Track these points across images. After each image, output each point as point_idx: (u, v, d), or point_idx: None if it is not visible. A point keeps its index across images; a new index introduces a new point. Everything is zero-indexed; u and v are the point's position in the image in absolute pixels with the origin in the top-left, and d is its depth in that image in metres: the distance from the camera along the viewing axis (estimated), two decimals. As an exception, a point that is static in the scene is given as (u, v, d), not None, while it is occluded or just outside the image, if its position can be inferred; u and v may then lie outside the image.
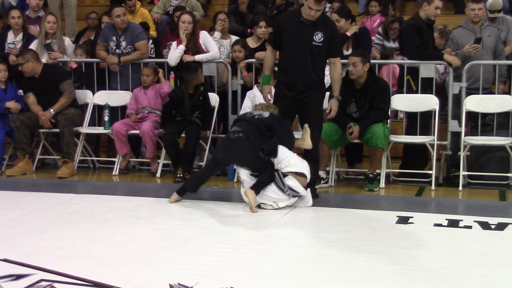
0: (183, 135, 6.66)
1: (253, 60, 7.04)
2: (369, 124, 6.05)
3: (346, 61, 6.32)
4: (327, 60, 5.60)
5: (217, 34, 7.46)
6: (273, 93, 5.75)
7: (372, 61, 6.49)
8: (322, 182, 6.09)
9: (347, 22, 6.84)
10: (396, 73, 7.34)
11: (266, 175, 5.12)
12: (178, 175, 6.49)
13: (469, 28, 6.69)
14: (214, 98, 6.99)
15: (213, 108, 6.92)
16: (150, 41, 7.94)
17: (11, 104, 7.10)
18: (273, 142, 5.23)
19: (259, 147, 5.13)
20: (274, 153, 5.22)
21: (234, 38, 7.60)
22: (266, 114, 5.39)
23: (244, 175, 5.21)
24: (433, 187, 6.18)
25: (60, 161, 6.95)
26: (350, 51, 6.85)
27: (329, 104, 5.67)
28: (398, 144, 6.70)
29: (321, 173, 6.11)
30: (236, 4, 8.84)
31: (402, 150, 6.90)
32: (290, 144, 5.38)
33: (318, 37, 5.44)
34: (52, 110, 6.92)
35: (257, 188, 5.08)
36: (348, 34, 6.87)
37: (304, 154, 5.69)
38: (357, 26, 7.18)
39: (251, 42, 7.35)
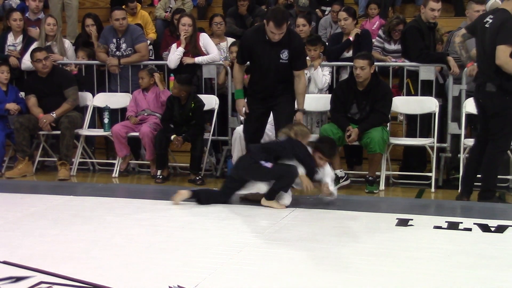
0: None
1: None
2: (368, 128, 6.03)
3: (350, 63, 6.38)
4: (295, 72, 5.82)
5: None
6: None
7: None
8: (342, 180, 6.17)
9: (353, 22, 7.04)
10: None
11: (277, 183, 5.23)
12: (158, 175, 6.56)
13: (471, 30, 6.63)
14: (214, 100, 6.99)
15: (206, 123, 6.93)
16: (148, 42, 7.93)
17: (10, 106, 7.10)
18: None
19: (259, 158, 5.25)
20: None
21: (230, 40, 7.58)
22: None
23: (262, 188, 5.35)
24: (433, 189, 6.17)
25: (57, 163, 6.94)
26: (350, 53, 6.87)
27: (295, 117, 5.84)
28: (398, 146, 6.70)
29: (338, 172, 6.15)
30: (236, 6, 8.84)
31: (403, 152, 6.89)
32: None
33: (285, 55, 5.73)
34: (54, 114, 6.93)
35: (269, 196, 5.27)
36: (350, 37, 6.93)
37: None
38: (358, 29, 7.20)
39: (252, 44, 7.33)
